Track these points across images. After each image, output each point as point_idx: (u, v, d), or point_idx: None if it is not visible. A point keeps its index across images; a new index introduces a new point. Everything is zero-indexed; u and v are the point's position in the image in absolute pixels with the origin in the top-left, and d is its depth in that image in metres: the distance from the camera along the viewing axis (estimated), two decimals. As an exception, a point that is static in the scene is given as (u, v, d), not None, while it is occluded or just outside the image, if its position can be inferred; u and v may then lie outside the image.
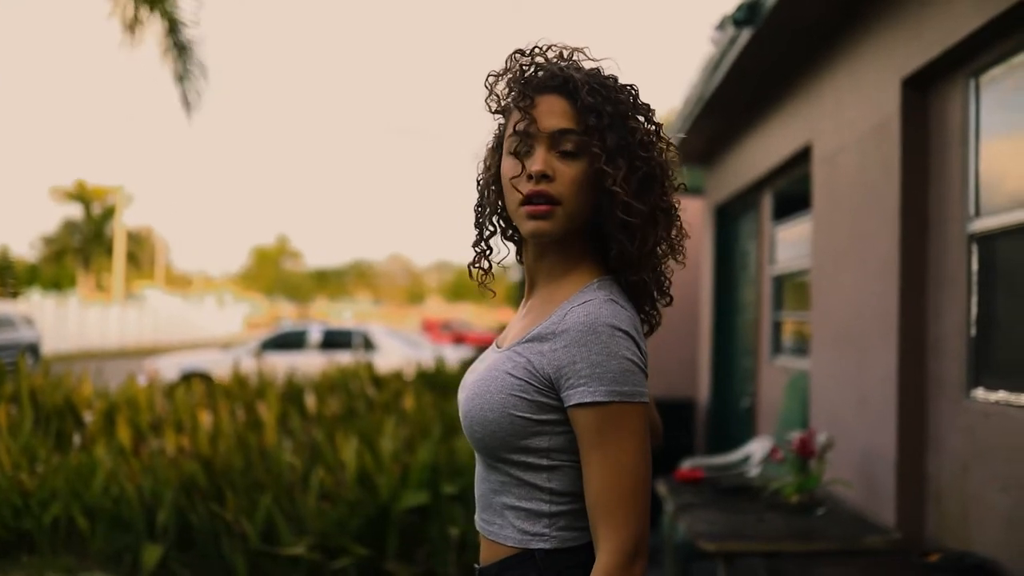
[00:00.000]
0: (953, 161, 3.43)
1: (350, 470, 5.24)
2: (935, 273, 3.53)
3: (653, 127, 1.47)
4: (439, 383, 9.28)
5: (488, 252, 1.61)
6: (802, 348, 5.60)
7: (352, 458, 5.29)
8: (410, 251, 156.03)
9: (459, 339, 28.32)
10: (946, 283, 3.45)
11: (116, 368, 14.83)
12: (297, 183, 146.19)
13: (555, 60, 1.47)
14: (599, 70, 1.47)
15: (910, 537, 3.49)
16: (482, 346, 23.18)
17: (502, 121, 1.53)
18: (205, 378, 12.15)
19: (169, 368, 13.62)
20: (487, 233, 1.60)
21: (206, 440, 6.00)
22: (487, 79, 1.51)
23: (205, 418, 6.99)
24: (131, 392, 7.67)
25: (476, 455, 1.51)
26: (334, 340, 15.05)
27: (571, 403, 1.34)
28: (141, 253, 49.24)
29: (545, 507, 1.41)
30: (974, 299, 3.29)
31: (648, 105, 1.49)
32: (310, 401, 8.08)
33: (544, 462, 1.40)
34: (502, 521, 1.45)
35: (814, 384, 4.63)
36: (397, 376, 9.64)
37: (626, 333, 1.34)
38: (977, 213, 3.30)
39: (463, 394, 1.50)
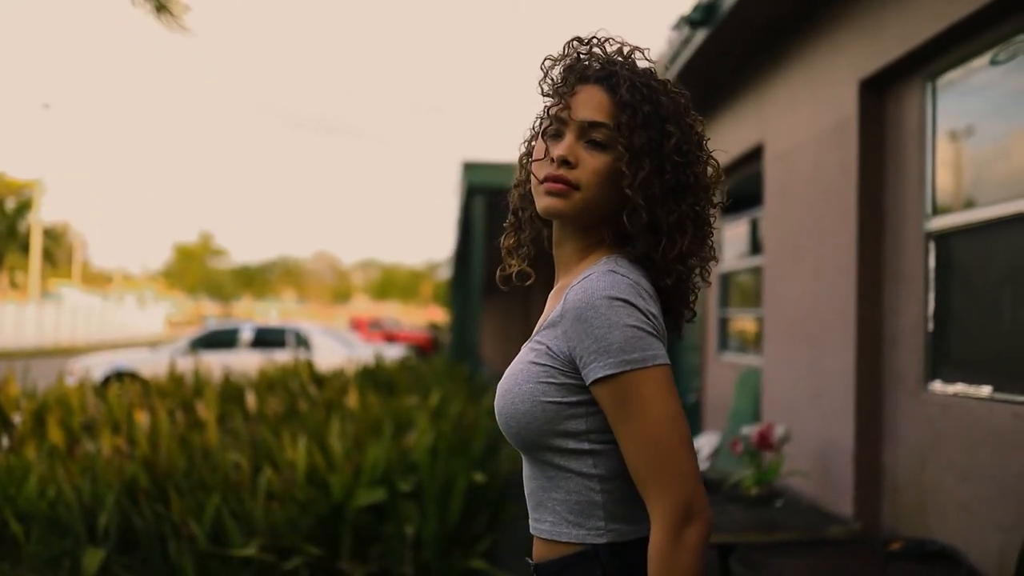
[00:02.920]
0: (910, 161, 3.54)
1: (300, 469, 5.15)
2: (892, 270, 3.63)
3: (695, 137, 1.46)
4: (381, 380, 9.19)
5: (522, 229, 1.60)
6: (750, 344, 5.70)
7: (302, 457, 5.19)
8: (336, 249, 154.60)
9: (390, 338, 28.10)
10: (903, 279, 3.55)
11: (37, 368, 14.26)
12: (221, 178, 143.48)
13: (612, 54, 1.46)
14: (652, 71, 1.46)
15: (868, 527, 3.58)
16: (415, 344, 23.08)
17: (548, 105, 1.52)
18: (134, 378, 11.80)
19: (95, 368, 13.17)
20: (522, 214, 1.58)
21: (145, 440, 5.82)
22: (544, 62, 1.49)
23: (141, 418, 6.78)
24: (61, 392, 7.40)
25: (521, 455, 1.48)
26: (267, 339, 14.75)
27: (589, 382, 1.33)
28: (57, 250, 47.55)
29: (597, 497, 1.39)
30: (931, 295, 3.39)
31: (695, 115, 1.48)
32: (250, 400, 7.91)
33: (585, 446, 1.38)
34: (554, 518, 1.42)
35: (767, 379, 4.72)
36: (338, 374, 9.52)
37: (625, 301, 1.33)
38: (934, 212, 3.41)
39: (496, 395, 1.48)
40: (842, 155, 3.87)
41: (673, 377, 1.34)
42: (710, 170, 1.47)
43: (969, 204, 3.25)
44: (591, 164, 1.40)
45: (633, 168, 1.38)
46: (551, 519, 1.42)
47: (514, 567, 5.71)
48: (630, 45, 1.48)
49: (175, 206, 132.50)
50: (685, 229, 1.42)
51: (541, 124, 1.48)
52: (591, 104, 1.41)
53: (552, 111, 1.43)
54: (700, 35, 4.79)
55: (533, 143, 1.53)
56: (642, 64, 1.46)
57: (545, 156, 1.43)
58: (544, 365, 1.38)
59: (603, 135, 1.40)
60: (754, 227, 5.78)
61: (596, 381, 1.32)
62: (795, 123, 4.44)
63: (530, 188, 1.53)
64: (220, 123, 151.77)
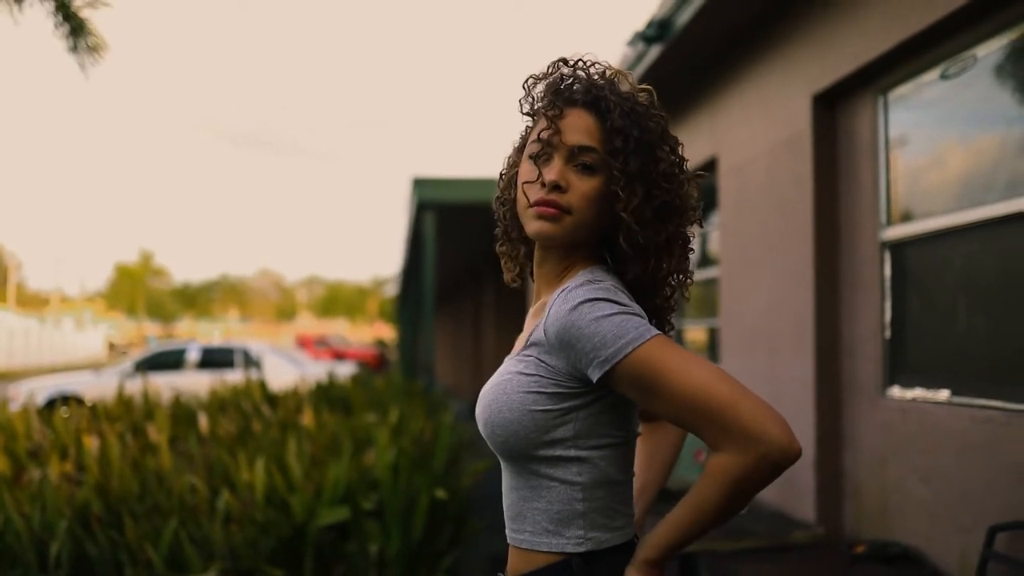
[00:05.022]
0: (864, 173, 3.64)
1: (259, 490, 5.08)
2: (849, 279, 3.72)
3: (677, 159, 1.50)
4: (336, 398, 9.10)
5: (511, 245, 1.61)
6: (704, 354, 5.78)
7: (260, 478, 5.12)
8: (280, 266, 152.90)
9: (339, 355, 27.84)
10: (860, 288, 3.64)
11: (-29, 394, 13.82)
12: (160, 197, 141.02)
13: (596, 77, 1.48)
14: (634, 95, 1.48)
15: (831, 531, 3.65)
16: (363, 362, 22.91)
17: (530, 124, 1.53)
18: (78, 402, 11.52)
19: (38, 392, 12.81)
20: (510, 230, 1.60)
21: (96, 465, 5.69)
22: (526, 81, 1.51)
23: (90, 443, 6.62)
24: (5, 417, 7.20)
25: (503, 464, 1.49)
26: (214, 359, 14.49)
27: (597, 378, 1.32)
28: (-9, 271, 46.21)
29: (579, 506, 1.40)
30: (888, 303, 3.49)
31: (676, 138, 1.51)
32: (202, 422, 7.77)
33: (571, 453, 1.39)
34: (534, 528, 1.43)
35: (726, 389, 4.79)
36: (292, 393, 9.40)
37: (602, 299, 1.34)
38: (889, 222, 3.50)
39: (480, 405, 1.49)
40: (797, 168, 3.96)
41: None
42: (691, 190, 1.50)
43: (922, 214, 3.35)
44: (581, 188, 1.42)
45: (627, 192, 1.40)
46: (531, 529, 1.43)
47: (478, 583, 5.69)
48: (613, 68, 1.50)
49: (113, 226, 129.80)
50: (672, 250, 1.46)
51: (528, 145, 1.49)
52: (580, 128, 1.43)
53: (542, 134, 1.44)
54: (654, 51, 4.87)
55: (516, 158, 1.55)
56: (623, 87, 1.48)
57: (535, 180, 1.43)
58: (533, 375, 1.39)
59: (592, 159, 1.42)
60: (703, 240, 5.87)
61: (605, 375, 1.31)
62: (749, 137, 4.53)
63: (509, 204, 1.56)
64: (156, 141, 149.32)
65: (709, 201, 5.31)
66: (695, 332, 6.02)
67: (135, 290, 71.39)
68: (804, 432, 3.81)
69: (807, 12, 3.87)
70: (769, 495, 4.12)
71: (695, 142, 5.40)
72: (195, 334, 61.82)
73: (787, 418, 3.78)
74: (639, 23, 4.85)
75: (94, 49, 6.29)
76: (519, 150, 1.56)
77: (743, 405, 1.24)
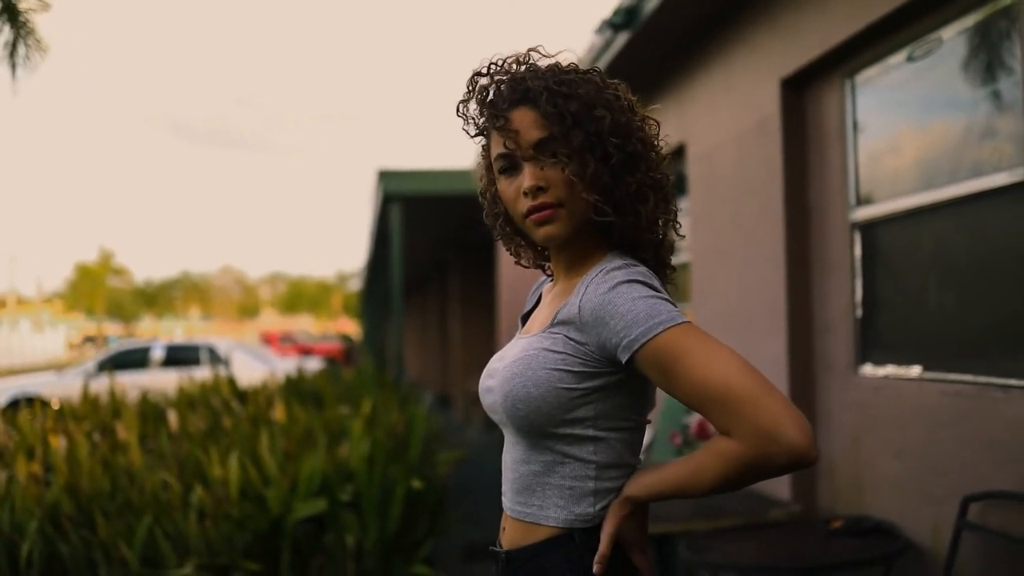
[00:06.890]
0: (833, 155, 3.69)
1: (233, 485, 5.04)
2: (820, 260, 3.78)
3: (626, 104, 1.51)
4: (306, 392, 9.05)
5: (519, 247, 1.66)
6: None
7: (235, 473, 5.09)
8: (242, 263, 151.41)
9: (306, 351, 27.63)
10: (831, 269, 3.70)
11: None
12: (118, 196, 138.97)
13: (514, 69, 1.48)
14: (558, 66, 1.48)
15: (807, 508, 3.72)
16: (331, 358, 22.75)
17: (484, 142, 1.56)
18: (41, 403, 11.34)
19: (-1, 394, 12.61)
20: (507, 234, 1.63)
21: (64, 465, 5.61)
22: (457, 108, 1.53)
23: (58, 443, 6.52)
24: (-32, 419, 7.07)
25: (514, 438, 1.50)
26: (179, 356, 14.35)
27: (626, 359, 1.33)
28: (-56, 273, 45.18)
29: (591, 484, 1.42)
30: (858, 282, 3.55)
31: (616, 84, 1.52)
32: (171, 419, 7.69)
33: (590, 432, 1.41)
34: (542, 502, 1.44)
35: (699, 372, 4.84)
36: (261, 388, 9.32)
37: (640, 282, 1.37)
38: (858, 203, 3.56)
39: (494, 380, 1.49)
40: (766, 152, 4.01)
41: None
42: (650, 129, 1.53)
43: (890, 195, 3.41)
44: (558, 177, 1.45)
45: (580, 170, 1.43)
46: (539, 503, 1.45)
47: (455, 571, 5.72)
48: (524, 52, 1.51)
49: (69, 225, 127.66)
50: (646, 196, 1.48)
51: (492, 163, 1.52)
52: (526, 125, 1.44)
53: (498, 150, 1.47)
54: (621, 38, 4.89)
55: (488, 175, 1.58)
56: (544, 62, 1.49)
57: (516, 192, 1.47)
58: (562, 352, 1.41)
59: (553, 146, 1.44)
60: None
61: (635, 353, 1.32)
62: (717, 122, 4.57)
63: (501, 216, 1.59)
64: (113, 136, 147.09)
65: (678, 188, 5.36)
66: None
67: (95, 290, 70.17)
68: (778, 412, 3.86)
69: (774, -3, 3.92)
70: (744, 475, 4.18)
71: (663, 129, 5.43)
72: (157, 333, 61.09)
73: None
74: (606, 11, 4.87)
75: (31, 53, 6.06)
76: (488, 168, 1.58)
77: (763, 403, 1.24)
